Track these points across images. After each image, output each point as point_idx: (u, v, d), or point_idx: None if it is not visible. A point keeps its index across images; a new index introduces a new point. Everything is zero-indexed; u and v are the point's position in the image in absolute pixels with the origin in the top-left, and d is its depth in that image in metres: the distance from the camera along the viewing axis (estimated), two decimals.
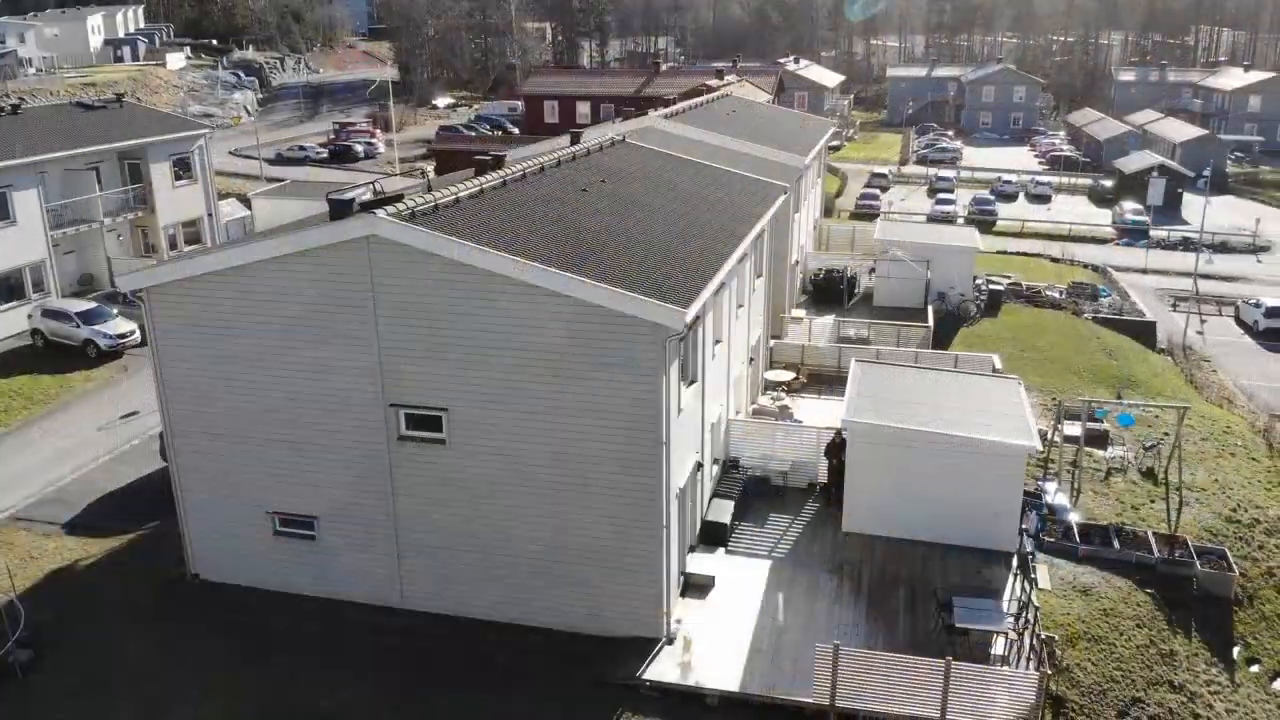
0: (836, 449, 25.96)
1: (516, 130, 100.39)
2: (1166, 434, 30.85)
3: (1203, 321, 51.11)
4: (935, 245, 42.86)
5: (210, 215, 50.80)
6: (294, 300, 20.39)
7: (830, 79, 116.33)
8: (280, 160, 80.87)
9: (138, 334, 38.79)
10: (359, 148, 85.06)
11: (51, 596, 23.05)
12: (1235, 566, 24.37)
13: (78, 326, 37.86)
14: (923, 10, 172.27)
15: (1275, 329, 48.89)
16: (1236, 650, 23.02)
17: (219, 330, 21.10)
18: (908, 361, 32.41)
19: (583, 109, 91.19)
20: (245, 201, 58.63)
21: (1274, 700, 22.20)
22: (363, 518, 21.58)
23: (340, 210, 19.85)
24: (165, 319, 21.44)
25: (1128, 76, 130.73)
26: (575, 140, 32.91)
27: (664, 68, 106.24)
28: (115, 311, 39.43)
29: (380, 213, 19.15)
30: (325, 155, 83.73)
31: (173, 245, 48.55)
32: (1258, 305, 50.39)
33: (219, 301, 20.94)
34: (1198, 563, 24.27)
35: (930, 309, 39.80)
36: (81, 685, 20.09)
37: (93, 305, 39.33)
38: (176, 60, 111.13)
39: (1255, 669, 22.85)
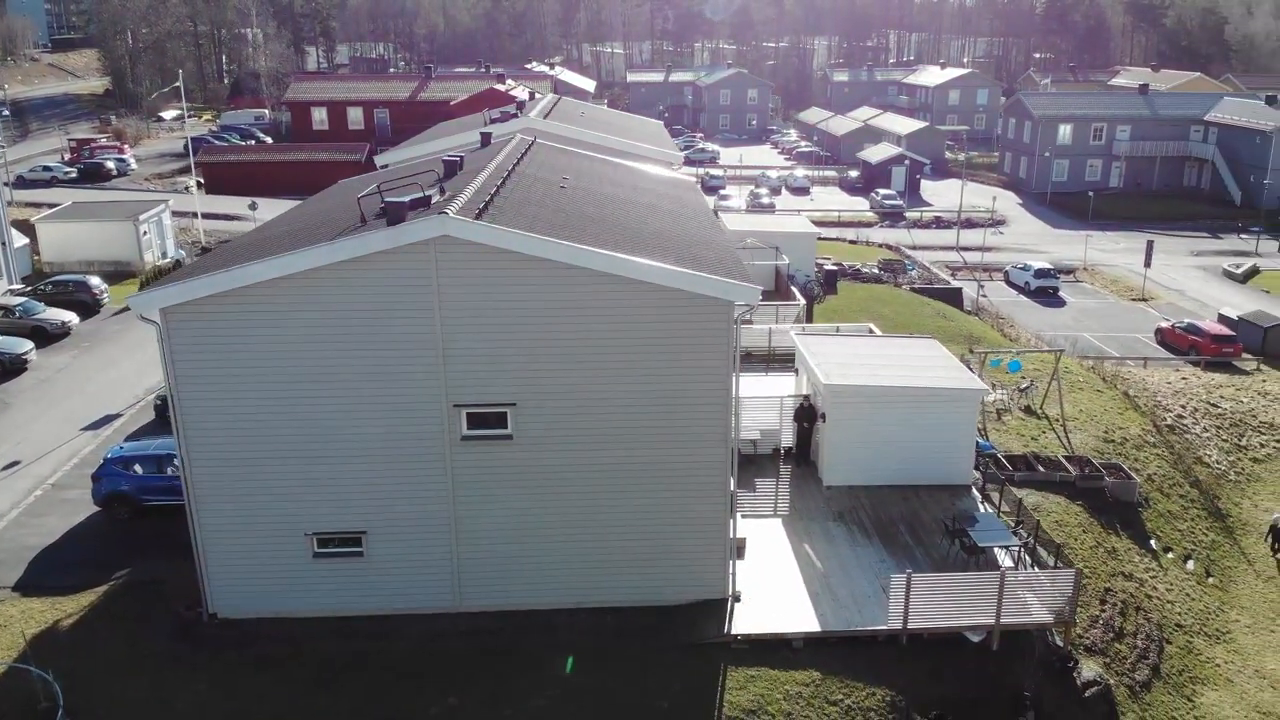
0: (805, 413, 28.37)
1: (269, 139, 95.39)
2: (1026, 378, 35.93)
3: (982, 286, 58.70)
4: (782, 233, 46.54)
5: (4, 244, 45.35)
6: (344, 309, 19.74)
7: (588, 84, 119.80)
8: (23, 183, 72.26)
9: None
10: (111, 164, 77.62)
11: (49, 662, 20.65)
12: (1134, 475, 29.33)
13: None
14: (646, 17, 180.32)
15: (1044, 288, 57.30)
16: (1153, 542, 27.81)
17: (250, 347, 19.94)
18: (797, 334, 35.38)
19: (354, 114, 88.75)
20: (22, 228, 52.55)
21: (1193, 578, 27.11)
22: (419, 525, 21.21)
23: (398, 214, 19.54)
24: (185, 340, 19.92)
25: (841, 77, 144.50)
26: (486, 141, 33.15)
27: (392, 71, 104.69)
28: None
29: (450, 212, 19.16)
30: (74, 174, 75.75)
31: None
32: (1026, 269, 58.66)
33: (250, 317, 19.81)
34: (1106, 476, 28.96)
35: (796, 289, 43.29)
36: None
37: None
38: None
39: (1170, 555, 27.74)
